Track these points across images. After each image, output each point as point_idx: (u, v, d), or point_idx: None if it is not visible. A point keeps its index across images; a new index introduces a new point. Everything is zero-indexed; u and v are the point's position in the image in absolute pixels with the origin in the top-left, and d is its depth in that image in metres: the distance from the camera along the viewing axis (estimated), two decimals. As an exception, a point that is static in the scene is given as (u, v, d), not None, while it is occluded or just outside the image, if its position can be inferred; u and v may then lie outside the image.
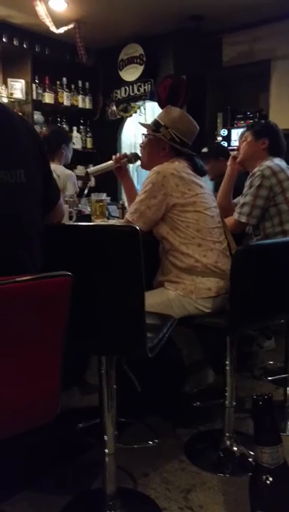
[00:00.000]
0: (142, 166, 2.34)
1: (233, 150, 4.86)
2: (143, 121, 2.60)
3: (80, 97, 5.55)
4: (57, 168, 3.57)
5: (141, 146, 2.34)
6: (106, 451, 1.63)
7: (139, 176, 5.30)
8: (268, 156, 2.57)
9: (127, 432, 2.17)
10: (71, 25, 4.69)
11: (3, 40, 4.80)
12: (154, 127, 2.19)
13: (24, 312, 1.08)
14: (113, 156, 2.58)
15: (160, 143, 2.17)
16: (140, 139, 2.42)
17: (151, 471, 1.93)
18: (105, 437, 1.63)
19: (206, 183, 2.20)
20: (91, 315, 1.44)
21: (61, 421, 1.31)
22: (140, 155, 2.39)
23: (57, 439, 2.07)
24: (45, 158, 1.42)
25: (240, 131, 4.85)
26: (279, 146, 2.61)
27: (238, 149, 2.75)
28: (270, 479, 1.36)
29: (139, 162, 2.49)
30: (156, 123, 2.20)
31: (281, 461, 1.37)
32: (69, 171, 3.72)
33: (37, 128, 5.02)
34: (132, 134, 5.78)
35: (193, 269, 2.00)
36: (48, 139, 3.65)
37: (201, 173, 2.16)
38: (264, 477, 1.37)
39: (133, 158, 2.54)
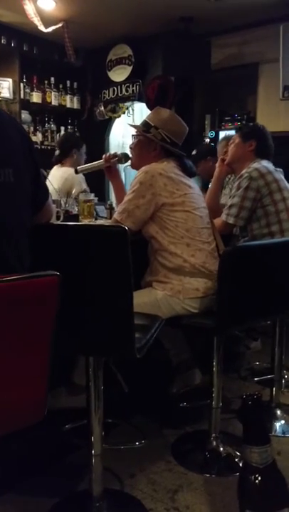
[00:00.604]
0: (133, 166, 2.34)
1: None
2: (131, 122, 2.61)
3: (68, 97, 5.53)
4: (67, 171, 3.78)
5: (131, 148, 2.34)
6: (93, 452, 1.62)
7: (127, 176, 5.29)
8: (256, 158, 2.58)
9: (114, 432, 2.17)
10: (59, 25, 4.66)
11: (-9, 38, 4.77)
12: (144, 128, 2.19)
13: (11, 312, 1.07)
14: (103, 155, 2.58)
15: (151, 143, 2.17)
16: (128, 140, 2.43)
17: (138, 471, 1.93)
18: (92, 438, 1.62)
19: (195, 183, 2.20)
20: (79, 315, 1.43)
21: (48, 422, 1.30)
22: (130, 155, 2.39)
23: (43, 440, 2.06)
24: (35, 158, 1.41)
25: (227, 133, 4.92)
26: (266, 148, 2.63)
27: (225, 152, 2.76)
28: (259, 479, 1.36)
29: (128, 162, 2.49)
30: (146, 124, 2.20)
31: (270, 461, 1.38)
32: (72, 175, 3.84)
33: (24, 127, 5.00)
34: (120, 135, 5.78)
35: (181, 269, 2.00)
36: (60, 144, 4.07)
37: (189, 173, 2.17)
38: (253, 477, 1.37)
39: (123, 158, 2.54)
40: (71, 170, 3.73)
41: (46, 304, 1.13)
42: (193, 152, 3.97)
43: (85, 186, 3.79)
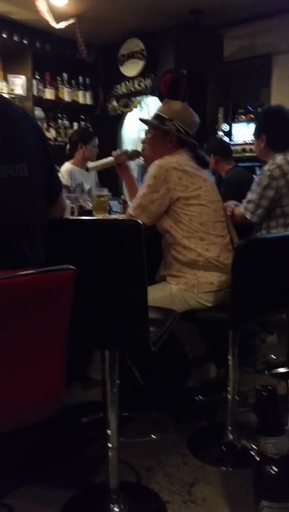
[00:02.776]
0: (147, 161, 2.31)
1: (235, 145, 4.88)
2: (143, 117, 2.58)
3: (80, 93, 5.54)
4: (63, 166, 3.91)
5: (143, 143, 2.32)
6: (109, 445, 1.63)
7: (143, 172, 5.29)
8: (271, 151, 2.49)
9: (130, 426, 2.18)
10: (71, 21, 4.67)
11: (4, 36, 4.79)
12: (158, 121, 2.17)
13: (27, 306, 1.08)
14: (113, 153, 2.56)
15: (167, 136, 2.15)
16: (141, 134, 2.42)
17: (155, 464, 1.94)
18: (108, 431, 1.63)
19: (209, 176, 2.19)
20: (94, 309, 1.44)
21: (64, 415, 1.32)
22: (141, 152, 2.38)
23: (60, 434, 2.08)
24: (48, 152, 1.41)
25: (241, 125, 4.88)
26: (280, 139, 2.50)
27: None
28: (275, 469, 1.37)
29: (141, 159, 2.48)
30: (158, 117, 2.18)
31: (285, 451, 1.38)
32: (63, 167, 3.98)
33: (37, 124, 5.03)
34: (135, 130, 5.77)
35: (195, 263, 2.00)
36: (69, 139, 4.17)
37: (203, 164, 2.15)
38: (268, 467, 1.38)
39: (133, 155, 2.52)
40: (66, 165, 3.94)
41: (61, 298, 1.14)
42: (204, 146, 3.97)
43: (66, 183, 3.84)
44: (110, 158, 2.55)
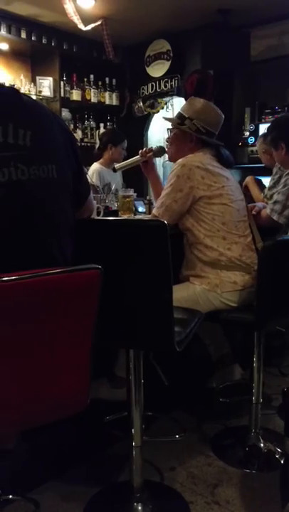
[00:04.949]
0: (170, 159, 2.34)
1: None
2: (168, 116, 2.59)
3: (107, 94, 5.57)
4: (92, 167, 4.01)
5: (167, 141, 2.34)
6: (133, 444, 1.65)
7: (165, 171, 5.29)
8: None
9: (154, 425, 2.19)
10: (98, 23, 4.71)
11: (33, 38, 4.86)
12: (179, 120, 2.19)
13: (54, 304, 1.10)
14: (140, 151, 2.59)
15: (186, 135, 2.16)
16: (165, 134, 2.44)
17: (178, 465, 1.94)
18: (132, 430, 1.64)
19: (232, 175, 2.18)
20: (120, 308, 1.45)
21: (89, 413, 1.33)
22: (166, 149, 2.40)
23: (85, 431, 2.10)
24: (77, 154, 1.43)
25: (268, 126, 4.81)
26: None
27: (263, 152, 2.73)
28: (302, 472, 1.36)
29: (165, 157, 2.49)
30: (180, 116, 2.20)
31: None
32: (92, 167, 4.07)
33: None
34: (159, 130, 5.77)
35: (217, 263, 1.99)
36: (99, 140, 4.29)
37: (227, 164, 2.15)
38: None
39: (159, 151, 2.55)
40: (95, 165, 4.02)
41: (88, 297, 1.16)
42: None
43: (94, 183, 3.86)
44: (136, 157, 2.60)
